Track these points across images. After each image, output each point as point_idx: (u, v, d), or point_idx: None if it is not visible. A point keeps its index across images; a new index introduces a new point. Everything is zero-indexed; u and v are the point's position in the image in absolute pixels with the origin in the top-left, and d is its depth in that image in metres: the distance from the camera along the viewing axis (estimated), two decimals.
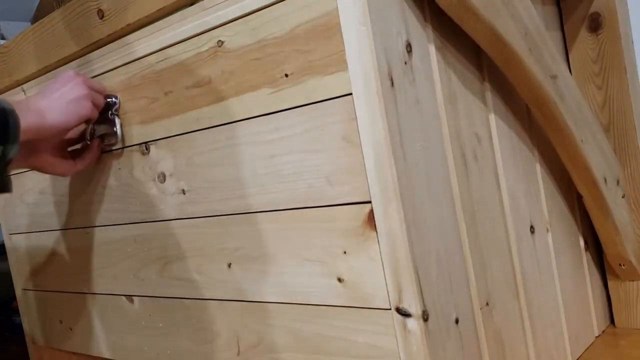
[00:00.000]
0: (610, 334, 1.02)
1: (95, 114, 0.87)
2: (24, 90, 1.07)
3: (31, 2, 1.82)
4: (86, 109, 0.84)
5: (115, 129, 0.90)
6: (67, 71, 0.86)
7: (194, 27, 0.77)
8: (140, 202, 0.90)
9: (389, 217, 0.62)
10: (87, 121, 0.87)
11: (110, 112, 0.90)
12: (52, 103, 0.81)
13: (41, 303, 1.19)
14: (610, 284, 1.03)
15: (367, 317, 0.66)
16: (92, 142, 0.91)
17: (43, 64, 1.00)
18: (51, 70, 1.00)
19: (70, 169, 0.90)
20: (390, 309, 0.64)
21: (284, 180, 0.71)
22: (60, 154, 0.89)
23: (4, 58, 1.08)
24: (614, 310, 1.03)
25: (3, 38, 1.90)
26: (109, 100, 0.90)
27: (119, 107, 0.90)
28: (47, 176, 1.06)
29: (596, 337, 1.00)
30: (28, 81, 1.06)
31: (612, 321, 1.05)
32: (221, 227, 0.80)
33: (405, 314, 0.63)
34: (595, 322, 1.01)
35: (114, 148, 0.92)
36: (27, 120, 0.75)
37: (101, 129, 0.90)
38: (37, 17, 1.71)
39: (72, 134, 0.90)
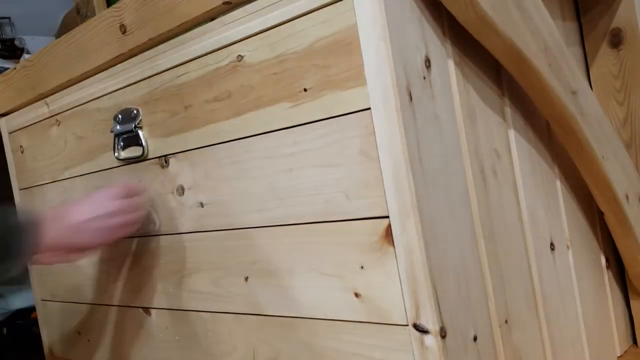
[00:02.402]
0: (633, 354, 1.00)
1: (131, 229, 0.87)
2: (47, 104, 1.08)
3: (55, 18, 1.86)
4: (117, 234, 0.85)
5: (142, 142, 0.91)
6: (111, 188, 0.86)
7: (214, 42, 0.77)
8: (158, 215, 0.91)
9: (406, 232, 0.62)
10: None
11: (134, 124, 0.91)
12: (87, 224, 0.82)
13: (60, 314, 1.19)
14: (632, 302, 1.01)
15: (384, 333, 0.66)
16: None
17: (66, 77, 1.02)
18: (74, 83, 1.02)
19: (77, 258, 0.90)
20: (407, 325, 0.64)
21: (302, 194, 0.71)
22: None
23: (28, 72, 1.10)
24: (636, 330, 1.01)
25: (28, 52, 1.94)
26: (131, 112, 0.91)
27: (141, 118, 0.91)
28: (64, 188, 1.08)
29: (618, 357, 0.98)
30: (52, 94, 1.07)
31: (634, 341, 1.03)
32: (239, 240, 0.80)
33: (422, 330, 0.62)
34: (617, 342, 0.99)
35: (139, 160, 0.93)
36: (57, 236, 0.77)
37: (127, 144, 0.92)
38: (61, 32, 1.74)
39: None
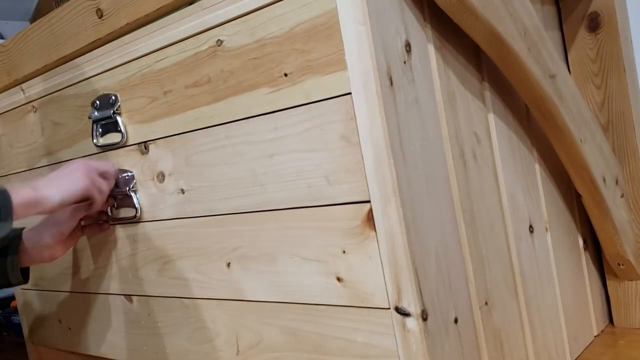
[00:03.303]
0: (609, 333, 1.02)
1: (97, 195, 0.86)
2: (22, 90, 1.07)
3: (30, 2, 1.82)
4: (82, 183, 0.83)
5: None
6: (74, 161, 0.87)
7: (193, 26, 0.77)
8: (139, 201, 0.90)
9: (388, 216, 0.62)
10: (93, 204, 0.88)
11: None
12: (48, 180, 0.83)
13: (40, 302, 1.18)
14: (609, 283, 1.03)
15: (366, 317, 0.66)
16: (103, 215, 0.94)
17: (42, 63, 1.00)
18: (50, 69, 1.00)
19: (72, 245, 0.93)
20: (389, 308, 0.64)
21: (283, 179, 0.71)
22: (63, 238, 0.91)
23: (3, 57, 1.08)
24: (612, 310, 1.04)
25: (2, 37, 1.90)
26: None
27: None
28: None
29: (595, 336, 1.00)
30: (27, 80, 1.05)
31: (611, 321, 1.05)
32: (220, 226, 0.80)
33: (404, 313, 0.63)
34: (594, 322, 1.01)
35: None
36: (19, 195, 0.76)
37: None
38: (35, 16, 1.71)
39: (90, 213, 0.91)
